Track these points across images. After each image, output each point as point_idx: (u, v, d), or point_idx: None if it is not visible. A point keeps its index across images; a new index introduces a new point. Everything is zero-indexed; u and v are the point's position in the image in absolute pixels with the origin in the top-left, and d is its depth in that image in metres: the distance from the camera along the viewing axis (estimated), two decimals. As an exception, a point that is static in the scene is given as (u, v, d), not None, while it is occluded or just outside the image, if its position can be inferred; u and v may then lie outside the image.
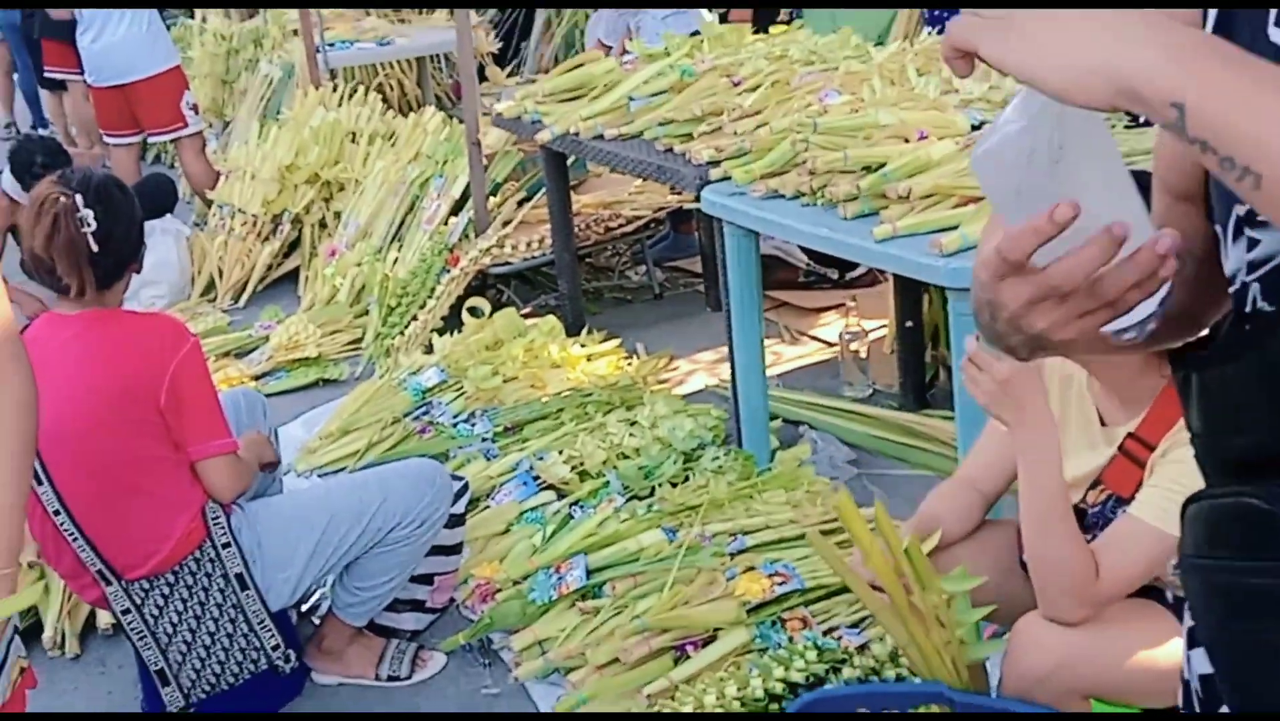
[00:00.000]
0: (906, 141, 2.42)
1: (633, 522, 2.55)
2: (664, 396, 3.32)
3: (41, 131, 8.13)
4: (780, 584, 2.30)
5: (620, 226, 4.18)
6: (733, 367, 2.89)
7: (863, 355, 3.44)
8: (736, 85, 3.07)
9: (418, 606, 2.50)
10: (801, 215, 2.41)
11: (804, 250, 4.16)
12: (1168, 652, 1.56)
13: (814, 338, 3.85)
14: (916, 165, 2.26)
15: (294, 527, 2.19)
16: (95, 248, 2.06)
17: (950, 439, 2.99)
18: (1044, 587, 1.55)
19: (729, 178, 2.68)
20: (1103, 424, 1.65)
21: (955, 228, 2.11)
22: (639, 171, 3.01)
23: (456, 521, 2.49)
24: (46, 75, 6.31)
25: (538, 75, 7.55)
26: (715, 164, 2.74)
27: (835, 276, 4.21)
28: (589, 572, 2.43)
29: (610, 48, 6.63)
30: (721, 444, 3.03)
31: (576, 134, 3.23)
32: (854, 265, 4.21)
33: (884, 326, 3.64)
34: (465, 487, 2.53)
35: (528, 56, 7.73)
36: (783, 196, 2.51)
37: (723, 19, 4.44)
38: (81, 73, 5.08)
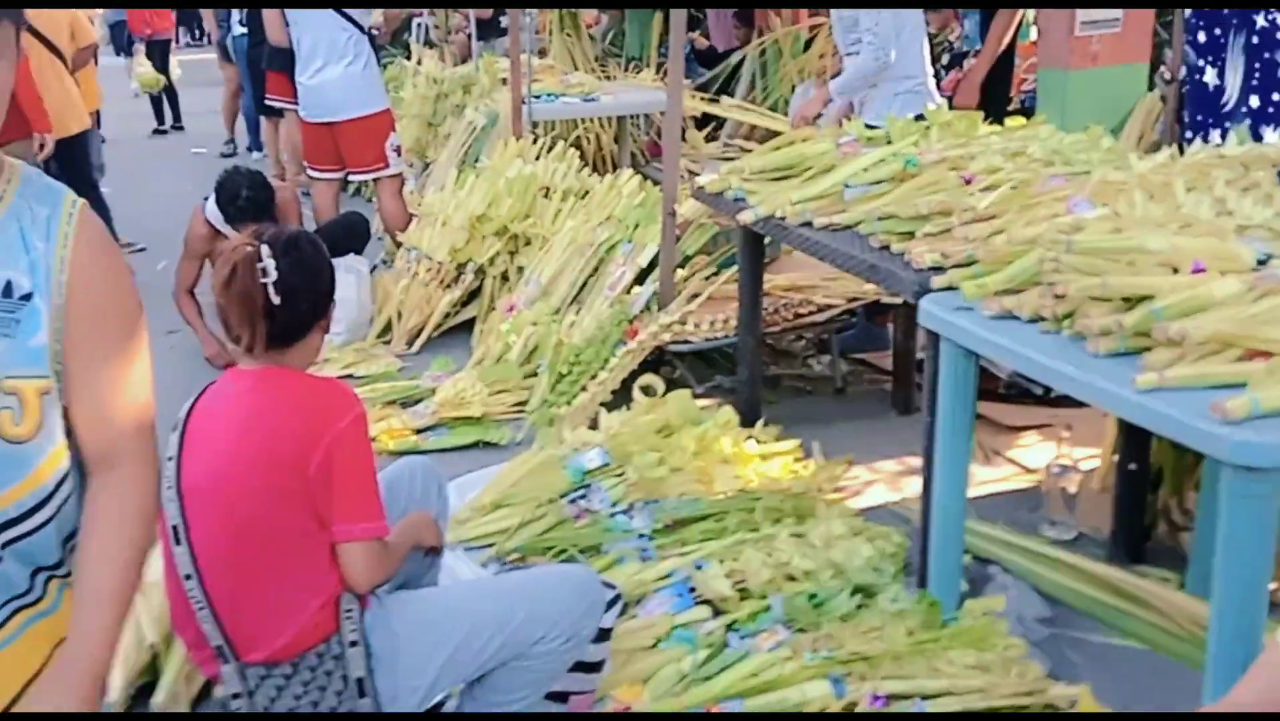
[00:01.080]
0: (1176, 272, 2.06)
1: (797, 667, 2.24)
2: (839, 510, 3.01)
3: (255, 155, 8.48)
4: (968, 774, 1.95)
5: (811, 314, 3.90)
6: (927, 494, 2.56)
7: (1071, 491, 3.05)
8: (968, 183, 2.76)
9: (548, 723, 2.25)
10: (1040, 344, 2.08)
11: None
12: None
13: (1012, 461, 3.46)
14: (1193, 304, 1.91)
15: (432, 632, 1.97)
16: (276, 299, 1.92)
17: (1170, 607, 2.58)
18: None
19: (954, 288, 2.37)
20: None
21: (1242, 386, 1.75)
22: (849, 267, 2.73)
23: (603, 636, 2.23)
24: (267, 102, 6.51)
25: (735, 140, 7.42)
26: (939, 270, 2.44)
27: (1041, 391, 3.81)
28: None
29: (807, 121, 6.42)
30: (899, 574, 2.70)
31: (783, 218, 2.98)
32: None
33: (1096, 457, 3.23)
34: (617, 598, 2.27)
35: (728, 121, 7.59)
36: (1017, 319, 2.18)
37: (950, 104, 4.12)
38: (297, 104, 5.17)
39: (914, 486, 3.32)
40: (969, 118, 3.33)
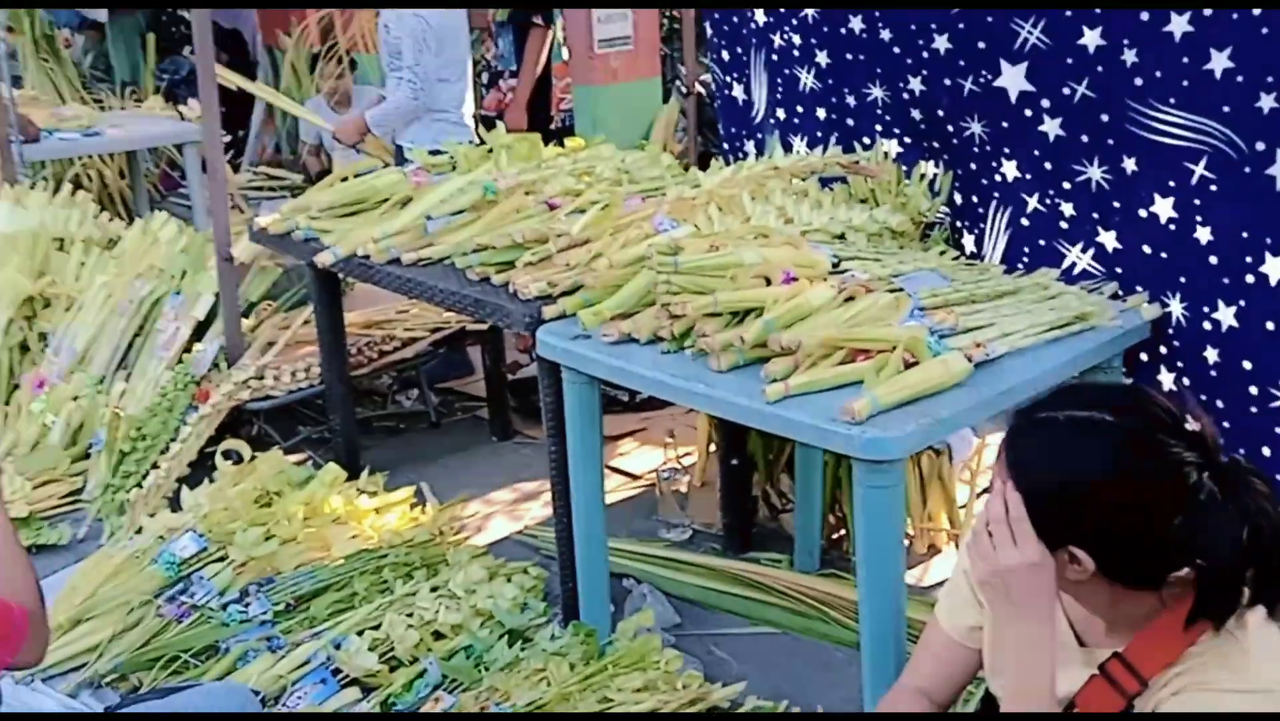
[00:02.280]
0: (769, 282, 2.21)
1: (476, 732, 2.13)
2: (469, 551, 2.92)
3: None
4: (665, 800, 1.96)
5: (395, 350, 3.75)
6: (563, 523, 2.55)
7: (683, 491, 3.20)
8: (552, 209, 2.77)
9: None
10: (664, 366, 2.14)
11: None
12: None
13: (616, 470, 3.56)
14: (798, 312, 2.05)
15: None
16: None
17: (789, 587, 2.79)
18: None
19: (568, 315, 2.37)
20: (1080, 644, 1.46)
21: (858, 384, 1.91)
22: (451, 305, 2.64)
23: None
24: None
25: (259, 167, 6.99)
26: (548, 299, 2.42)
27: (626, 398, 3.97)
28: (432, 807, 1.99)
29: (320, 147, 6.22)
30: (547, 609, 2.67)
31: (366, 257, 2.81)
32: (644, 385, 4.00)
33: (691, 454, 3.41)
34: (263, 704, 2.03)
35: (248, 147, 7.14)
36: (637, 341, 2.22)
37: (488, 124, 4.16)
38: None
39: (533, 512, 3.32)
40: (529, 140, 3.37)
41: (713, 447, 3.26)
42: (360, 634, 2.54)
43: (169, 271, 3.80)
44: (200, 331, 3.61)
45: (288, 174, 6.73)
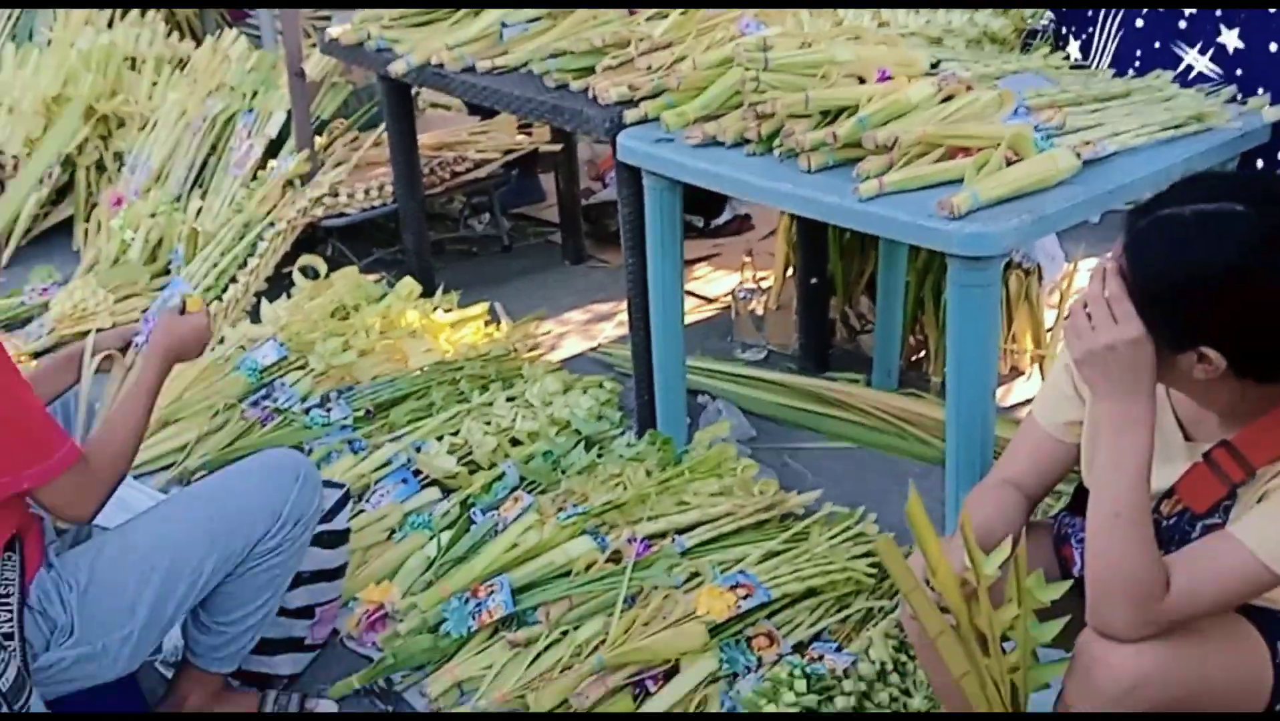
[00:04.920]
0: (862, 82, 2.11)
1: (555, 529, 2.16)
2: (545, 366, 2.93)
3: None
4: (745, 597, 1.98)
5: (468, 170, 3.70)
6: (645, 338, 2.53)
7: (759, 313, 3.16)
8: (633, 12, 2.66)
9: (295, 645, 2.03)
10: (751, 167, 2.07)
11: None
12: (1253, 667, 1.36)
13: (691, 293, 3.52)
14: (895, 110, 1.96)
15: (125, 575, 1.69)
16: None
17: (865, 404, 2.77)
18: (1102, 595, 1.30)
19: (650, 120, 2.29)
20: (1187, 438, 1.41)
21: (951, 184, 1.83)
22: (529, 112, 2.56)
23: (337, 540, 2.03)
24: None
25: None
26: (629, 104, 2.34)
27: (701, 224, 3.91)
28: (514, 595, 2.03)
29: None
30: (624, 419, 2.69)
31: (440, 66, 2.74)
32: (720, 211, 3.93)
33: (768, 278, 3.36)
34: (346, 496, 2.07)
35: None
36: (721, 145, 2.15)
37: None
38: None
39: (606, 331, 3.31)
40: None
41: (790, 272, 3.20)
42: (440, 439, 2.57)
43: (240, 89, 3.76)
44: (274, 149, 3.59)
45: None
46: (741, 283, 3.13)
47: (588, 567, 2.09)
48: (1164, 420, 1.41)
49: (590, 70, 2.52)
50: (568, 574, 2.09)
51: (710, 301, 3.45)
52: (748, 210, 3.92)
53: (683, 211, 3.82)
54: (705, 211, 3.88)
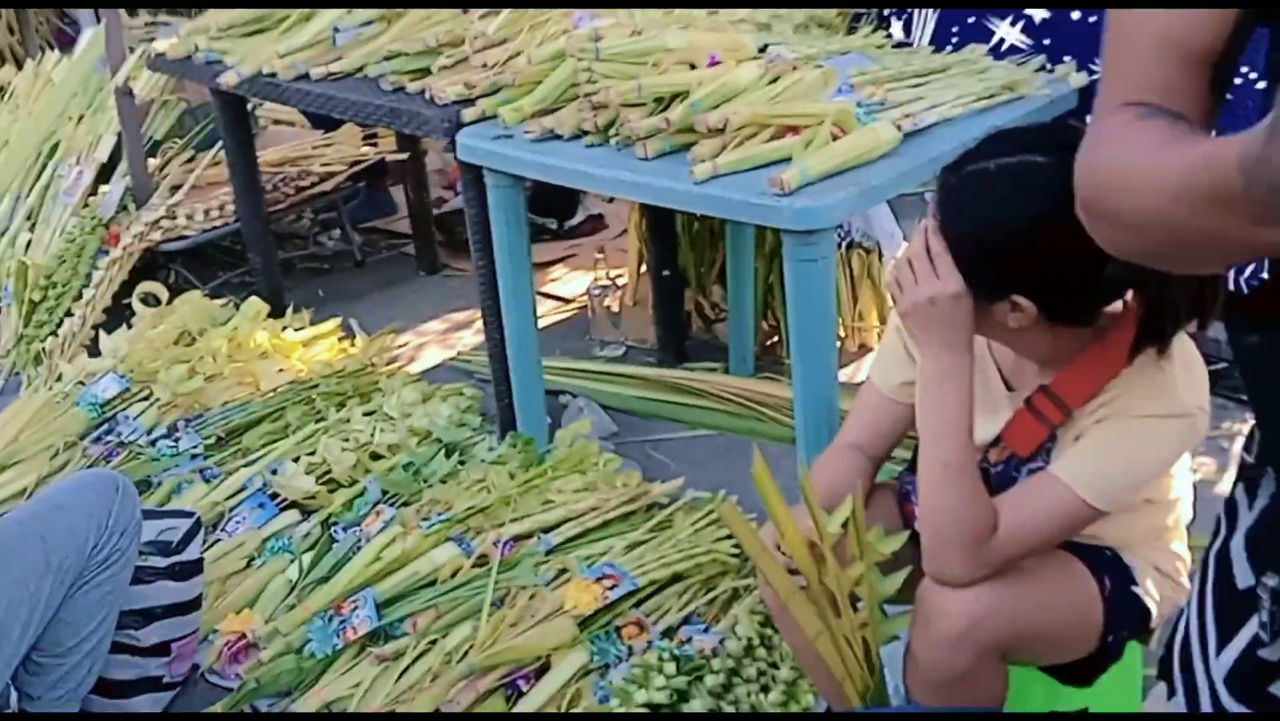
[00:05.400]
0: (693, 68, 2.13)
1: (417, 539, 2.12)
2: (402, 379, 2.88)
3: None
4: (611, 587, 1.98)
5: (313, 185, 3.62)
6: (500, 340, 2.51)
7: (614, 310, 3.17)
8: (466, 10, 2.64)
9: (153, 685, 1.95)
10: (590, 159, 2.07)
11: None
12: (1083, 602, 1.42)
13: (548, 295, 3.52)
14: (724, 93, 1.98)
15: None
16: None
17: (723, 391, 2.80)
18: (936, 542, 1.35)
19: (488, 117, 2.27)
20: (1009, 388, 1.47)
21: (782, 162, 1.86)
22: (366, 118, 2.52)
23: (190, 571, 1.96)
24: None
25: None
26: (467, 102, 2.32)
27: (555, 226, 3.91)
28: (379, 609, 1.99)
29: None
30: (484, 425, 2.66)
31: (273, 75, 2.67)
32: (572, 213, 3.93)
33: (622, 276, 3.37)
34: (197, 525, 2.00)
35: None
36: (559, 137, 2.15)
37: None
38: None
39: (465, 339, 3.27)
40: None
41: (644, 267, 3.22)
42: (296, 460, 2.50)
43: (66, 113, 3.60)
44: (105, 174, 3.45)
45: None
46: (595, 280, 3.14)
47: (454, 574, 2.06)
48: (987, 372, 1.46)
49: (426, 71, 2.49)
50: (434, 583, 2.05)
51: (567, 302, 3.45)
52: (601, 210, 3.94)
53: (536, 214, 3.85)
54: (558, 213, 3.88)
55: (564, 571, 2.08)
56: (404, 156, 3.61)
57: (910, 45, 2.52)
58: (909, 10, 2.52)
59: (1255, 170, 0.53)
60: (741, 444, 2.65)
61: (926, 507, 1.35)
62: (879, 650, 1.40)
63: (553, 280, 3.60)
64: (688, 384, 2.84)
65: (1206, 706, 0.72)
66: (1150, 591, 1.45)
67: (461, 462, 2.47)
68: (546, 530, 2.19)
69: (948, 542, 1.32)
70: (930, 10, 2.47)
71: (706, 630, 1.95)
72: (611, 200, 3.81)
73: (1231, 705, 0.68)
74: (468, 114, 2.29)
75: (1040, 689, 1.50)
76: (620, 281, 3.25)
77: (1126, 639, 1.46)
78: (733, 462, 2.56)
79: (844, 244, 2.83)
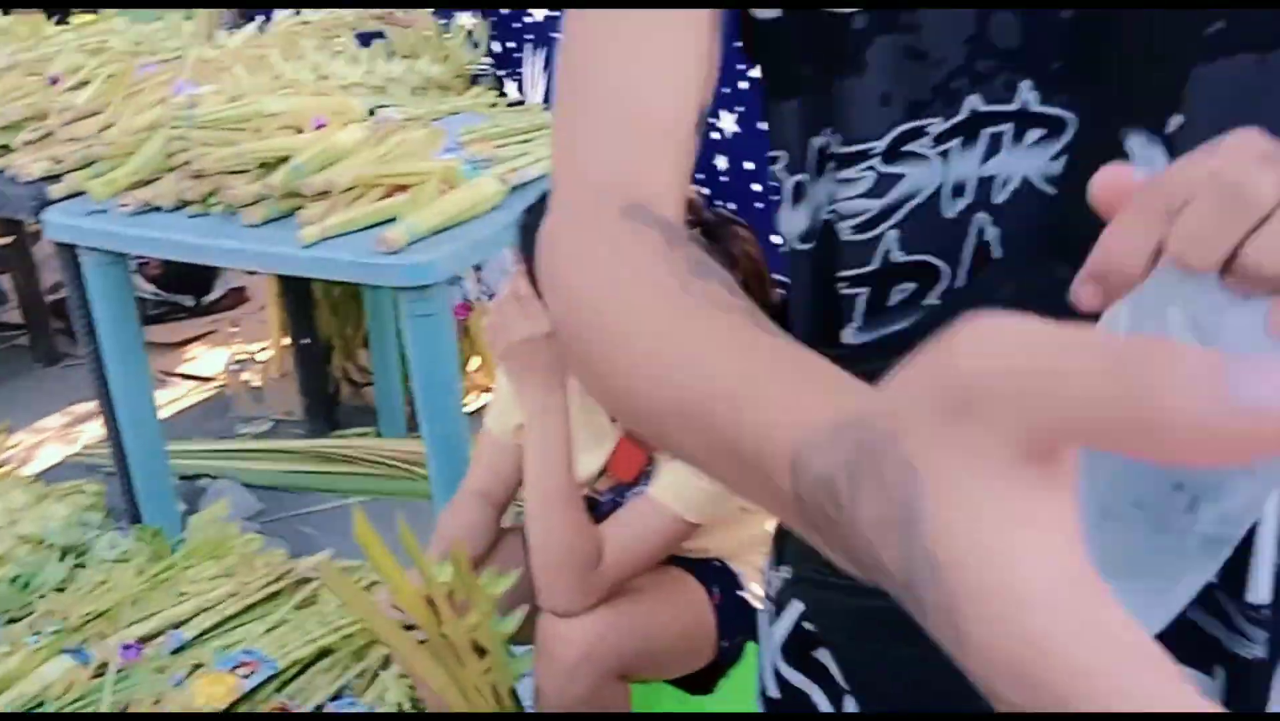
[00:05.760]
0: (300, 132, 2.10)
1: (25, 656, 1.91)
2: (13, 482, 2.61)
3: None
4: (248, 675, 1.87)
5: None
6: (115, 429, 2.33)
7: (256, 385, 3.04)
8: (54, 84, 2.46)
9: None
10: (194, 229, 1.97)
11: (149, 279, 3.61)
12: (695, 613, 1.51)
13: (187, 376, 3.32)
14: (329, 155, 1.96)
15: None
16: None
17: (374, 455, 2.75)
18: (546, 573, 1.39)
19: (80, 193, 2.12)
20: (612, 419, 1.54)
21: (391, 220, 1.86)
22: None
23: None
24: None
25: None
26: (54, 178, 2.16)
27: (192, 303, 3.71)
28: (-23, 740, 1.77)
29: None
30: (107, 522, 2.45)
31: None
32: (209, 288, 3.74)
33: (266, 349, 3.24)
34: None
35: None
36: (159, 209, 2.04)
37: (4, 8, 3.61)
38: None
39: (90, 433, 3.02)
40: (31, 21, 2.98)
41: (287, 341, 3.11)
42: (-123, 586, 2.20)
43: None
44: None
45: None
46: (233, 356, 3.00)
47: (68, 689, 1.87)
48: (590, 406, 1.52)
49: (7, 149, 2.30)
50: (44, 703, 1.85)
51: (208, 380, 3.27)
52: (242, 282, 3.78)
53: (169, 290, 3.64)
54: (193, 290, 3.69)
55: (200, 665, 1.95)
56: (8, 241, 3.30)
57: (523, 104, 2.61)
58: (519, 71, 2.61)
59: (814, 488, 0.34)
60: (396, 506, 2.59)
61: (534, 540, 1.38)
62: (514, 689, 1.41)
63: (189, 360, 3.41)
64: (337, 452, 2.76)
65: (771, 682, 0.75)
66: (758, 593, 1.55)
67: (81, 566, 2.26)
68: (178, 625, 2.04)
69: (557, 572, 1.35)
70: (540, 69, 2.57)
71: (351, 701, 1.88)
72: (253, 273, 3.66)
73: (786, 671, 0.71)
74: (55, 190, 2.13)
75: (669, 701, 1.56)
76: (261, 355, 3.12)
77: (742, 642, 1.55)
78: (387, 526, 2.50)
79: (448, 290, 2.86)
